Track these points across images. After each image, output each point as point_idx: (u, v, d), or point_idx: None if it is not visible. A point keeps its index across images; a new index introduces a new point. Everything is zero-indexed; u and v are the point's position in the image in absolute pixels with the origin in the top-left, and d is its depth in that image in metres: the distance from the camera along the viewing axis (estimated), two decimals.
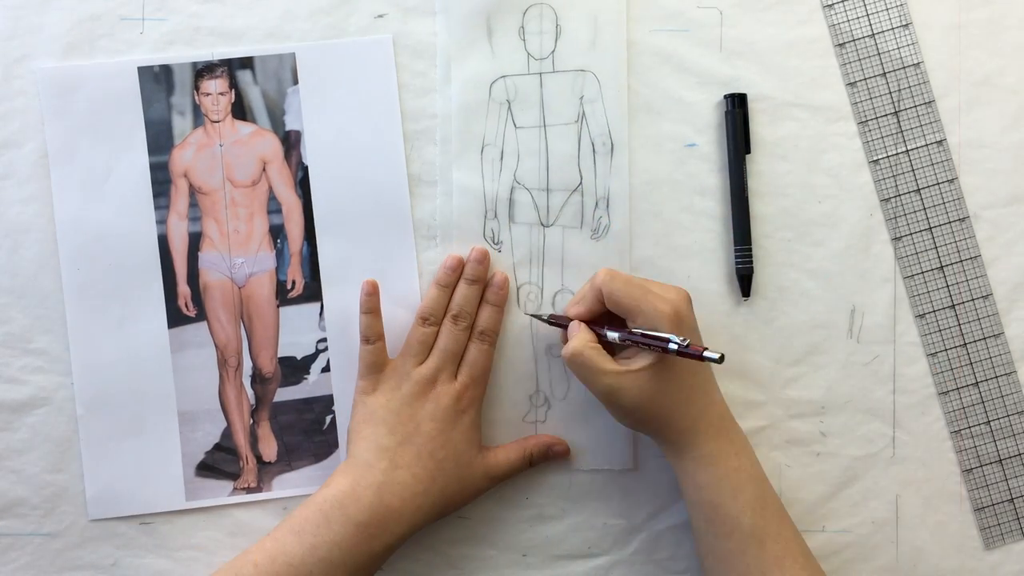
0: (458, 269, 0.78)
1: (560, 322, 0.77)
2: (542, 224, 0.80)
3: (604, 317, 0.75)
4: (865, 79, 0.80)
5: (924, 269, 0.80)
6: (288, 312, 0.80)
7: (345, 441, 0.79)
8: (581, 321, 0.75)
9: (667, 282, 0.79)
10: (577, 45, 0.80)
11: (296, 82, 0.79)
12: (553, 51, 0.80)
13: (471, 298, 0.78)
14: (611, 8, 0.79)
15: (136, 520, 0.79)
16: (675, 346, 0.68)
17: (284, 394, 0.80)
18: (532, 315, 0.80)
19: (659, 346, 0.69)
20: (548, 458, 0.80)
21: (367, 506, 0.72)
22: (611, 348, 0.74)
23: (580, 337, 0.73)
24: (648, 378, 0.71)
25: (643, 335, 0.70)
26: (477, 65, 0.80)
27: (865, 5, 0.80)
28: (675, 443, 0.73)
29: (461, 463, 0.76)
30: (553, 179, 0.80)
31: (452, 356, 0.77)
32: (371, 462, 0.74)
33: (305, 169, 0.79)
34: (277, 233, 0.80)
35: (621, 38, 0.80)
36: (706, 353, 0.67)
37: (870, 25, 0.80)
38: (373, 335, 0.77)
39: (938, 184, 0.80)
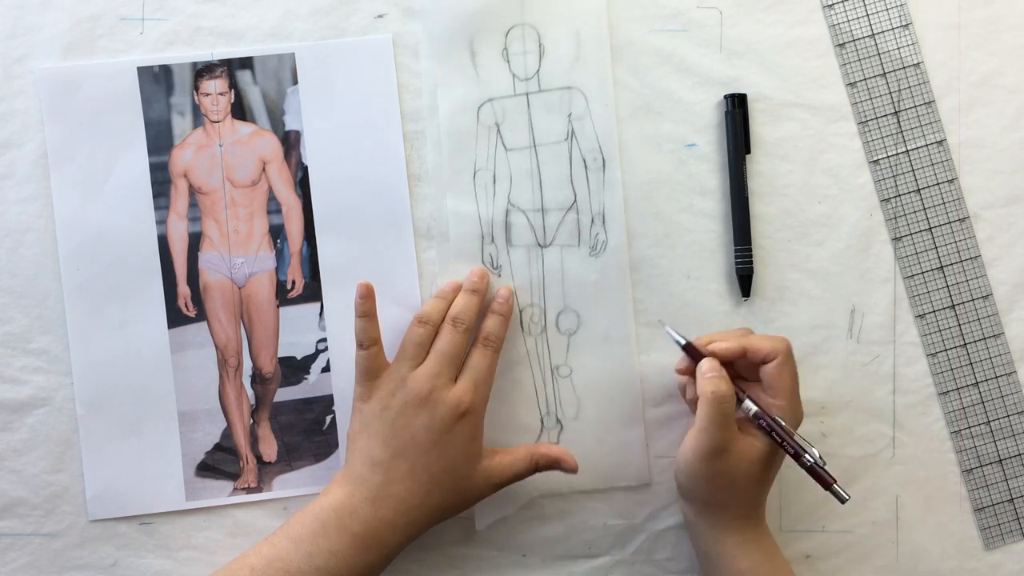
0: (459, 290, 0.78)
1: (694, 355, 0.74)
2: (540, 245, 0.80)
3: (729, 367, 0.73)
4: (865, 79, 0.80)
5: (924, 269, 0.80)
6: (288, 312, 0.80)
7: (345, 441, 0.78)
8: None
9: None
10: (561, 63, 0.80)
11: (296, 82, 0.79)
12: (538, 70, 0.80)
13: (471, 306, 0.77)
14: (592, 23, 0.79)
15: (136, 520, 0.79)
16: (810, 460, 0.68)
17: (284, 394, 0.80)
18: (669, 329, 0.76)
19: (792, 450, 0.69)
20: (555, 468, 0.78)
21: (362, 519, 0.72)
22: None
23: (732, 386, 0.72)
24: (757, 456, 0.71)
25: (784, 429, 0.70)
26: (463, 90, 0.79)
27: (865, 5, 0.80)
28: (729, 523, 0.73)
29: (458, 476, 0.74)
30: (547, 199, 0.80)
31: (450, 360, 0.75)
32: (365, 476, 0.73)
33: (305, 169, 0.79)
34: (277, 233, 0.80)
35: (604, 52, 0.79)
36: (835, 487, 0.68)
37: (870, 25, 0.80)
38: (367, 340, 0.75)
39: (938, 184, 0.80)
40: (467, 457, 0.75)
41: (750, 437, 0.72)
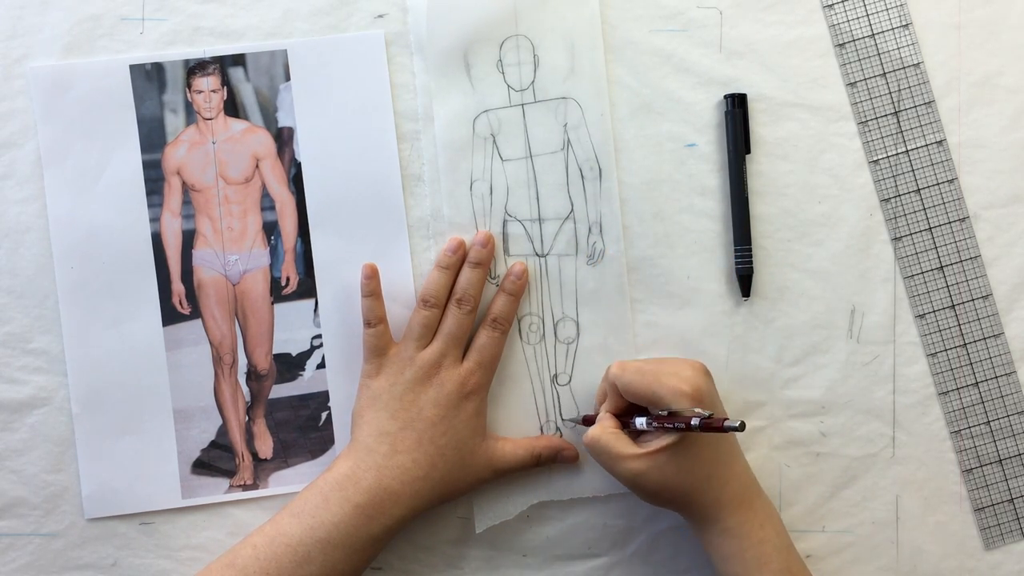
0: (459, 251, 0.78)
1: (593, 420, 0.77)
2: (537, 255, 0.80)
3: (634, 407, 0.75)
4: (865, 79, 0.80)
5: (924, 269, 0.80)
6: (282, 308, 0.80)
7: (341, 438, 0.79)
8: (610, 413, 0.75)
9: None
10: (556, 73, 0.80)
11: (288, 78, 0.79)
12: (533, 81, 0.80)
13: (475, 282, 0.78)
14: (586, 33, 0.79)
15: (136, 520, 0.79)
16: (698, 421, 0.68)
17: (279, 391, 0.80)
18: (568, 420, 0.80)
19: (683, 424, 0.69)
20: (556, 460, 0.79)
21: (366, 488, 0.73)
22: (637, 436, 0.74)
23: (600, 424, 0.74)
24: (668, 458, 0.71)
25: (668, 415, 0.70)
26: (458, 102, 0.80)
27: (865, 5, 0.80)
28: (699, 518, 0.73)
29: (463, 450, 0.76)
30: (544, 209, 0.80)
31: (457, 341, 0.77)
32: (372, 447, 0.74)
33: (298, 165, 0.79)
34: (271, 230, 0.80)
35: (599, 62, 0.79)
36: (726, 423, 0.66)
37: (870, 25, 0.80)
38: (374, 318, 0.77)
39: (938, 184, 0.80)
40: (472, 433, 0.76)
41: (652, 442, 0.71)
